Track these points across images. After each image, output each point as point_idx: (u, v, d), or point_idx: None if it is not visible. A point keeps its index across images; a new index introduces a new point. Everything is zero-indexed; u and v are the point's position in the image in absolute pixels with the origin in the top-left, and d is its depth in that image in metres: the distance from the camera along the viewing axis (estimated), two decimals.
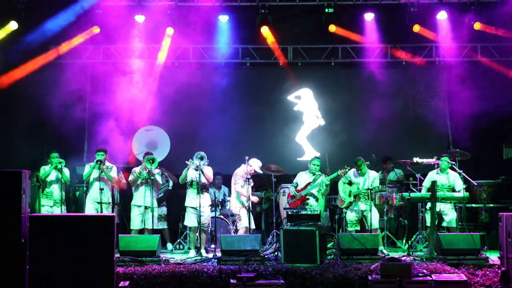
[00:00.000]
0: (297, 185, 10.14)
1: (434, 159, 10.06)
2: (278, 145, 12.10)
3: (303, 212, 9.17)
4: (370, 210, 9.70)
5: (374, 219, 9.76)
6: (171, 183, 10.81)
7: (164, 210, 10.68)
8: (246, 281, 7.34)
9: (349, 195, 9.93)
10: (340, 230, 10.23)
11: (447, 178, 9.79)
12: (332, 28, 11.50)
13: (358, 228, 9.87)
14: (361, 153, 10.15)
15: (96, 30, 11.43)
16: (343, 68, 12.28)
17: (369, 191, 9.72)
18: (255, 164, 9.87)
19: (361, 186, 9.89)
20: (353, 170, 10.07)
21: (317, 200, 10.06)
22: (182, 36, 11.52)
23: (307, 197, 9.97)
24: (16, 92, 11.21)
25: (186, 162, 9.68)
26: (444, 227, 9.77)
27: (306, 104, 12.29)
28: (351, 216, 9.91)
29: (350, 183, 9.95)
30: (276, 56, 11.96)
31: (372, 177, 9.93)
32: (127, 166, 10.80)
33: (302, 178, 10.19)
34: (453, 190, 9.71)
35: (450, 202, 9.65)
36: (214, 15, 11.50)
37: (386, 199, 10.18)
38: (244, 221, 9.76)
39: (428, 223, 9.59)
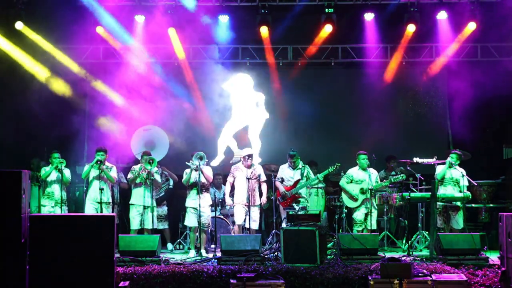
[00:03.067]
0: (282, 181, 10.05)
1: (434, 159, 10.07)
2: (279, 145, 12.09)
3: (303, 212, 9.18)
4: (371, 212, 9.71)
5: (374, 219, 9.78)
6: (171, 182, 10.79)
7: (164, 209, 10.67)
8: (246, 281, 7.35)
9: (363, 193, 9.86)
10: (340, 230, 10.23)
11: (452, 173, 9.78)
12: (329, 28, 11.47)
13: (365, 226, 9.87)
14: None
15: (99, 30, 11.43)
16: (343, 68, 12.28)
17: (371, 190, 9.73)
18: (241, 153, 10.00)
19: (368, 181, 9.84)
20: (354, 168, 10.05)
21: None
22: (182, 36, 11.52)
23: (296, 195, 9.90)
24: (15, 91, 11.21)
25: (187, 163, 9.68)
26: (452, 228, 9.72)
27: (240, 94, 11.57)
28: (359, 215, 9.90)
29: (351, 182, 9.94)
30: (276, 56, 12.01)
31: (374, 174, 9.94)
32: (127, 166, 10.80)
33: (286, 173, 10.08)
34: (459, 186, 9.72)
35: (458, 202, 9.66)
36: (214, 15, 11.50)
37: (386, 199, 10.18)
38: (236, 218, 9.86)
39: (461, 224, 9.61)
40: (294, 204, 9.50)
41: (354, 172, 10.05)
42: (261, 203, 9.99)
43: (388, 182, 9.98)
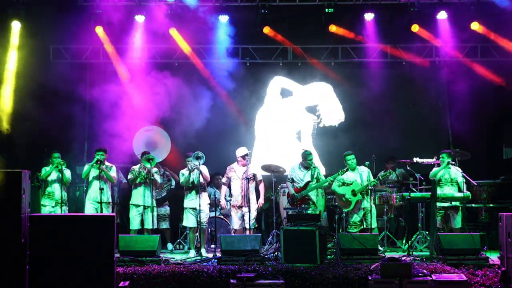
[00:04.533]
0: (293, 181, 9.97)
1: (434, 159, 10.06)
2: (277, 145, 12.11)
3: (303, 212, 9.17)
4: (370, 210, 9.68)
5: (373, 217, 9.75)
6: (173, 182, 10.78)
7: (167, 209, 10.67)
8: (246, 281, 7.34)
9: (354, 195, 9.81)
10: (340, 230, 10.21)
11: (449, 173, 9.78)
12: (332, 28, 11.50)
13: (362, 227, 9.82)
14: (361, 153, 10.12)
15: (98, 30, 11.43)
16: (343, 68, 12.28)
17: (368, 188, 9.68)
18: (237, 153, 9.91)
19: (359, 181, 9.79)
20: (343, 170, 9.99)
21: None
22: (182, 36, 11.51)
23: (306, 197, 9.84)
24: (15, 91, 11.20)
25: (188, 165, 9.66)
26: (452, 228, 9.70)
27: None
28: (354, 218, 9.82)
29: (343, 184, 9.85)
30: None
31: (366, 171, 9.86)
32: (127, 166, 10.79)
33: (297, 174, 9.97)
34: (457, 185, 9.69)
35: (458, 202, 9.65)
36: (214, 15, 11.50)
37: (386, 199, 10.16)
38: (233, 224, 9.86)
39: (460, 224, 9.59)
40: (304, 206, 9.46)
41: (344, 174, 9.96)
42: (258, 206, 9.93)
43: (377, 180, 9.84)
